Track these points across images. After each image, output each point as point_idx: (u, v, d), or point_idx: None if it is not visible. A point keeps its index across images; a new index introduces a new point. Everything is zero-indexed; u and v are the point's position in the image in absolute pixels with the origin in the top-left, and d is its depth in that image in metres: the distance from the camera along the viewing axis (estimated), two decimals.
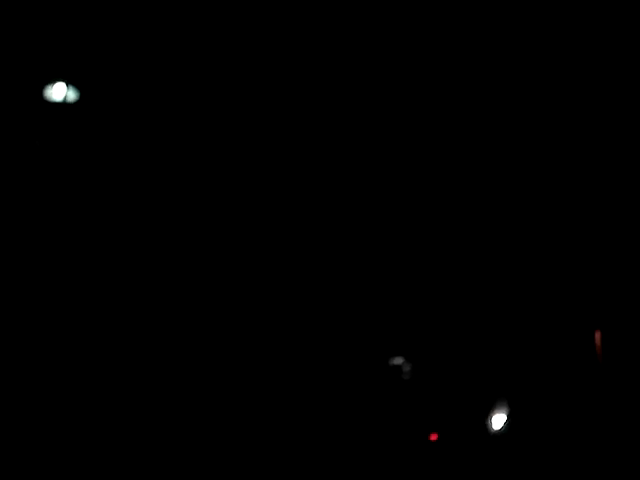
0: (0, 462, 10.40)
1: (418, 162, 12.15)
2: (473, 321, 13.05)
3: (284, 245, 12.12)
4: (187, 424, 11.55)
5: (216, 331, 11.92)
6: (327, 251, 12.58)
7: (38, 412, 10.86)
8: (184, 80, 11.26)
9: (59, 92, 11.12)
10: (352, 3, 10.82)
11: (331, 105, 11.49)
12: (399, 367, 13.19)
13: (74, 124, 11.28)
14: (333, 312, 12.98)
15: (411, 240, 12.86)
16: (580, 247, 12.21)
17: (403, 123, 11.80)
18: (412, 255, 13.13)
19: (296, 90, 11.32)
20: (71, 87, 11.10)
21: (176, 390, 11.58)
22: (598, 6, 10.60)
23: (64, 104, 11.14)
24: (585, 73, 11.25)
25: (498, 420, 12.86)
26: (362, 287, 12.97)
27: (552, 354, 12.53)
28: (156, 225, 11.58)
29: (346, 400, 12.87)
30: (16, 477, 10.42)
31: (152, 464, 11.10)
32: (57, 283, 11.23)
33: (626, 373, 11.88)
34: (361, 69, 11.26)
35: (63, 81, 11.09)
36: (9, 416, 10.67)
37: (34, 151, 11.22)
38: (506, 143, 12.04)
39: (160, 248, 11.66)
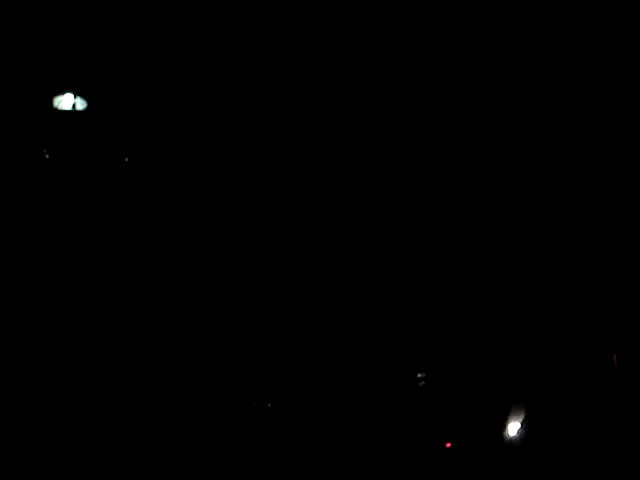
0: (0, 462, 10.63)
1: (418, 162, 12.07)
2: (489, 331, 12.96)
3: (284, 246, 12.16)
4: (187, 424, 11.66)
5: (216, 332, 12.01)
6: (331, 253, 12.56)
7: (38, 412, 11.05)
8: (187, 90, 11.25)
9: (67, 102, 11.19)
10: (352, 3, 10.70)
11: (331, 106, 11.43)
12: (415, 376, 13.15)
13: (82, 132, 11.36)
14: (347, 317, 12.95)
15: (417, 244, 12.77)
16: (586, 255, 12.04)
17: (403, 123, 11.70)
18: (425, 261, 13.03)
19: (296, 90, 11.25)
20: (79, 97, 11.16)
21: (176, 390, 11.68)
22: (598, 6, 10.38)
23: (72, 113, 11.21)
24: (585, 73, 11.05)
25: (512, 428, 12.76)
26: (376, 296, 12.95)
27: (566, 362, 12.38)
28: (159, 227, 11.68)
29: (361, 408, 12.87)
30: (16, 477, 10.64)
31: (152, 464, 11.24)
32: (61, 285, 11.41)
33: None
34: (361, 69, 11.17)
35: (71, 91, 11.16)
36: (9, 416, 10.89)
37: (43, 159, 11.34)
38: (506, 143, 11.89)
39: (164, 250, 11.77)
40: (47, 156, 11.30)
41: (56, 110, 11.21)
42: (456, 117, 11.85)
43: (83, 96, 11.22)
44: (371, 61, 11.27)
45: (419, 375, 13.09)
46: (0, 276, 11.24)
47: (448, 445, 12.80)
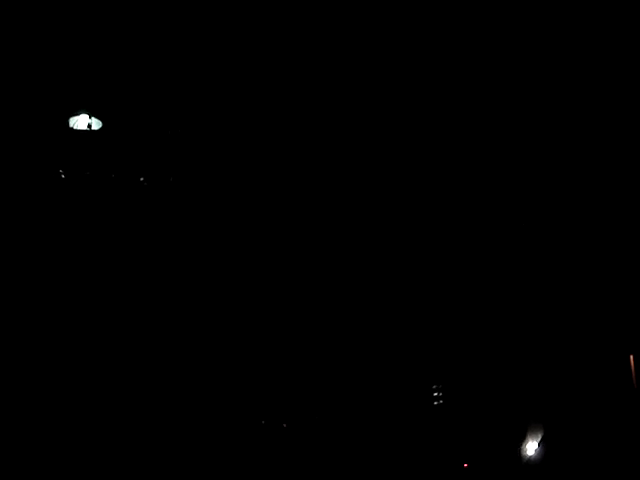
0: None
1: (418, 163, 12.06)
2: (506, 351, 12.86)
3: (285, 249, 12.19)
4: (187, 424, 11.64)
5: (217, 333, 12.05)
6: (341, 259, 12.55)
7: (38, 412, 11.07)
8: (201, 110, 11.31)
9: (83, 122, 11.26)
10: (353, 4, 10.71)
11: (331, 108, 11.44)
12: (431, 395, 13.07)
13: (97, 152, 11.43)
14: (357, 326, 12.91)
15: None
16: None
17: (403, 124, 11.70)
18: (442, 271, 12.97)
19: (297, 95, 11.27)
20: (94, 117, 11.23)
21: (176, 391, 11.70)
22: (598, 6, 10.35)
23: (88, 133, 11.28)
24: (585, 73, 11.00)
25: (530, 447, 12.63)
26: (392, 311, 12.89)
27: (585, 378, 12.24)
28: (173, 244, 11.75)
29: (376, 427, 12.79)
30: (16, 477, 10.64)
31: (152, 464, 11.21)
32: (75, 302, 11.49)
33: None
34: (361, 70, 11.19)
35: (87, 111, 11.23)
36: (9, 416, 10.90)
37: (59, 178, 11.40)
38: (506, 144, 11.85)
39: (177, 266, 11.84)
40: (63, 176, 11.36)
41: (72, 130, 11.26)
42: (456, 117, 11.85)
43: (98, 116, 11.28)
44: (371, 61, 11.28)
45: (436, 394, 13.00)
46: (17, 292, 11.28)
47: (465, 465, 12.69)
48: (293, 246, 12.49)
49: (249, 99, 11.39)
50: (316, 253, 12.58)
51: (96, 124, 11.30)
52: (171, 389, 11.79)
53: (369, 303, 12.78)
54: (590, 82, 11.27)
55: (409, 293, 12.94)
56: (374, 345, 12.84)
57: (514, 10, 10.70)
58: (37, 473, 10.87)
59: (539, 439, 12.46)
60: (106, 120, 11.28)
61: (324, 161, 11.88)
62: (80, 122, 11.28)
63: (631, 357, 11.83)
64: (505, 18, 10.82)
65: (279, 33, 10.86)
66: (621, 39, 10.78)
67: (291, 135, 11.69)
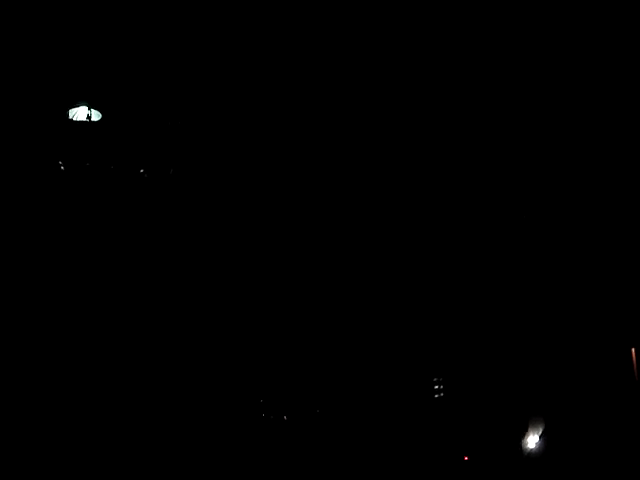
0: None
1: (419, 165, 12.08)
2: (507, 344, 12.86)
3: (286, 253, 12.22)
4: (187, 424, 11.69)
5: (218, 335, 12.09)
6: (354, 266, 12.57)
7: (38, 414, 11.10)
8: (201, 102, 11.30)
9: (82, 113, 11.23)
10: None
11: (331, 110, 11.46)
12: (432, 388, 13.09)
13: (97, 144, 11.41)
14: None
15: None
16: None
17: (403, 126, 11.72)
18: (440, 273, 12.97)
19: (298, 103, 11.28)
20: (94, 109, 11.19)
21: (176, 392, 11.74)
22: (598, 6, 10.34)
23: (87, 125, 11.25)
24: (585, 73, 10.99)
25: (531, 440, 12.64)
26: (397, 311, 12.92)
27: (586, 372, 12.23)
28: (172, 235, 11.76)
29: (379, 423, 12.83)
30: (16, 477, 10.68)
31: (152, 464, 11.26)
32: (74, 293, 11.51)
33: None
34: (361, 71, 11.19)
35: (86, 103, 11.19)
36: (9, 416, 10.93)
37: (58, 170, 11.39)
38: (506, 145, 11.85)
39: (176, 258, 11.85)
40: (62, 167, 11.34)
41: (71, 122, 11.24)
42: (456, 117, 11.85)
43: (98, 108, 11.25)
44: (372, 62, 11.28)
45: (436, 387, 13.01)
46: (16, 287, 11.29)
47: (466, 458, 12.71)
48: (292, 238, 12.48)
49: (248, 91, 11.37)
50: (315, 245, 12.58)
51: (95, 115, 11.26)
52: (170, 382, 11.81)
53: (370, 297, 12.80)
54: (590, 82, 11.26)
55: (410, 288, 12.95)
56: (375, 338, 12.85)
57: (514, 10, 10.71)
58: (37, 473, 10.89)
59: (540, 432, 12.46)
60: (105, 112, 11.25)
61: (323, 153, 11.88)
62: (79, 114, 11.24)
63: (632, 350, 11.83)
64: (505, 18, 10.82)
65: (277, 24, 10.85)
66: (621, 39, 10.78)
67: (290, 126, 11.67)
